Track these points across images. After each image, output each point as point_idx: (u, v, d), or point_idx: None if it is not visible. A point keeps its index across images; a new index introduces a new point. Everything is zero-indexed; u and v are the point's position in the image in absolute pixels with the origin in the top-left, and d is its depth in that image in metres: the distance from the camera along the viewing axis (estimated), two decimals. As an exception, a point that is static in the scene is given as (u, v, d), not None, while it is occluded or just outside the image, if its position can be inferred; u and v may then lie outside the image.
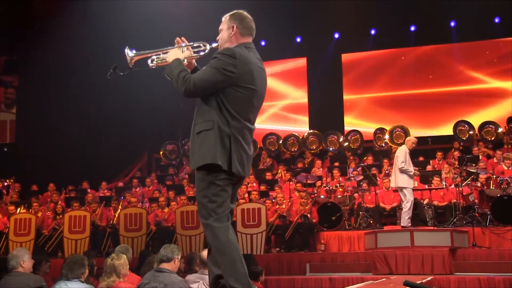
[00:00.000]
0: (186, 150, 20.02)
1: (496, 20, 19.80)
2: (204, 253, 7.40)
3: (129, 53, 4.59)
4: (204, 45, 4.61)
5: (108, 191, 17.82)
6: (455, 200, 13.77)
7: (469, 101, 20.14)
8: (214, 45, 4.61)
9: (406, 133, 17.78)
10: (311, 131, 19.63)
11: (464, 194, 13.67)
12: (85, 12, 19.68)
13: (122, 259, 6.59)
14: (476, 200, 13.73)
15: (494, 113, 19.27)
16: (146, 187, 17.82)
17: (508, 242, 12.50)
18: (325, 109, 20.81)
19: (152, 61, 4.62)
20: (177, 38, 4.64)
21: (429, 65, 20.77)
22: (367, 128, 19.77)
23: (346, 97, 21.44)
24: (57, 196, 16.90)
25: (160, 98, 19.42)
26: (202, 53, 4.58)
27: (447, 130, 18.78)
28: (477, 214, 13.25)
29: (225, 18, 4.54)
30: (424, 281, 9.83)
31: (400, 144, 15.50)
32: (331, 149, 19.15)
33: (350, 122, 20.87)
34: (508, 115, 18.01)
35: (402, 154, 12.73)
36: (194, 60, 4.62)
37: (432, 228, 12.85)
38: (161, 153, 20.34)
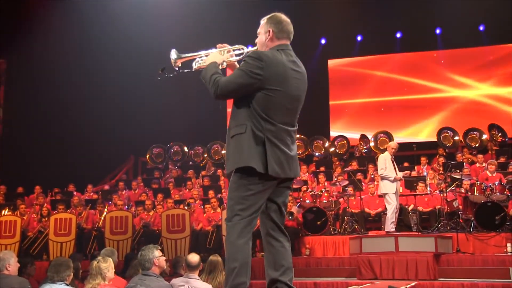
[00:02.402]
0: (171, 154, 20.02)
1: (481, 27, 19.98)
2: (190, 256, 7.37)
3: (173, 55, 4.66)
4: (242, 48, 4.66)
5: (94, 194, 17.74)
6: (439, 206, 13.80)
7: (454, 108, 20.29)
8: (252, 48, 4.63)
9: (390, 138, 17.81)
10: (297, 136, 19.59)
11: (448, 200, 13.73)
12: (74, 12, 19.77)
13: (108, 262, 6.56)
14: (460, 206, 13.76)
15: (477, 119, 19.41)
16: (132, 190, 17.76)
17: (492, 248, 12.56)
18: (311, 115, 20.81)
19: (196, 63, 4.67)
20: (219, 44, 4.68)
21: (414, 71, 20.89)
22: (353, 133, 19.79)
23: (332, 102, 21.50)
24: (43, 199, 16.79)
25: (147, 101, 19.46)
26: (241, 56, 4.60)
27: (432, 136, 18.85)
28: (461, 220, 13.30)
29: (263, 21, 4.54)
30: (408, 286, 9.87)
31: (384, 150, 15.59)
32: (316, 154, 19.16)
33: (336, 128, 20.92)
34: (490, 122, 18.16)
35: (381, 161, 12.91)
36: (236, 63, 4.64)
37: (416, 233, 12.86)
38: (147, 156, 20.26)
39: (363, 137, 18.86)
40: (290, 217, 13.96)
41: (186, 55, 4.70)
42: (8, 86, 21.77)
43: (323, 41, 21.74)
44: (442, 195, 13.65)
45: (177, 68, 4.70)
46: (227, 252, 4.29)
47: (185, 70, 4.71)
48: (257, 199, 4.25)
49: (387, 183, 12.71)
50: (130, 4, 19.50)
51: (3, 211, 15.57)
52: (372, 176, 15.88)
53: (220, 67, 4.51)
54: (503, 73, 19.88)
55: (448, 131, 18.12)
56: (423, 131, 20.26)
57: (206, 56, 4.62)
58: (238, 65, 4.58)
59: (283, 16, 4.53)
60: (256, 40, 4.60)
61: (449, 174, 14.46)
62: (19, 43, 19.93)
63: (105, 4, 19.34)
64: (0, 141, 21.35)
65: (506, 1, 18.04)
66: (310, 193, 15.20)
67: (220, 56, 4.57)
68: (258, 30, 4.58)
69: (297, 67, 4.45)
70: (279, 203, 4.40)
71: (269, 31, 4.47)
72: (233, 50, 4.67)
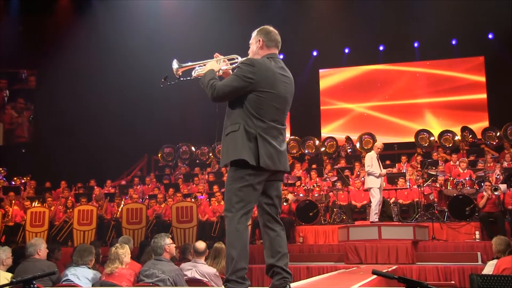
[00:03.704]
0: (180, 153, 20.04)
1: (453, 42, 20.05)
2: (197, 244, 7.40)
3: (175, 65, 4.70)
4: (237, 58, 4.67)
5: (112, 188, 17.76)
6: (417, 199, 13.83)
7: (431, 112, 20.34)
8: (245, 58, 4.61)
9: (374, 139, 17.82)
10: (292, 137, 19.62)
11: (425, 193, 13.75)
12: (95, 28, 20.00)
13: (125, 248, 6.58)
14: (436, 199, 13.83)
15: (451, 122, 19.51)
16: (146, 185, 17.77)
17: (463, 236, 12.67)
18: (304, 118, 20.84)
19: (195, 72, 4.70)
20: (216, 54, 4.70)
21: (395, 80, 20.95)
22: (341, 135, 19.78)
23: (323, 107, 21.54)
24: (67, 192, 16.88)
25: (160, 106, 19.50)
26: (235, 65, 4.61)
27: (410, 137, 18.87)
28: (436, 211, 13.38)
29: (254, 33, 4.58)
30: (390, 269, 9.88)
31: (369, 149, 15.64)
32: (306, 151, 19.10)
33: (326, 130, 20.98)
34: (462, 125, 18.27)
35: (368, 159, 12.86)
36: (230, 70, 4.66)
37: (397, 223, 12.90)
38: (159, 155, 20.29)
39: (348, 139, 18.87)
40: (285, 203, 14.02)
41: (186, 64, 4.73)
42: (37, 94, 21.90)
43: (314, 53, 21.79)
44: (419, 189, 13.70)
45: (178, 76, 4.72)
46: (227, 240, 4.27)
47: (186, 78, 4.73)
48: (252, 191, 4.24)
49: (373, 178, 12.68)
50: (144, 9, 19.85)
51: (34, 203, 15.64)
52: (358, 173, 15.89)
53: (217, 74, 4.54)
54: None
55: (425, 133, 18.13)
56: (404, 133, 20.27)
57: (204, 65, 4.65)
58: (232, 73, 4.60)
59: (271, 28, 4.59)
60: (249, 51, 4.62)
61: (426, 170, 14.53)
62: (48, 55, 20.09)
63: (120, 5, 19.61)
64: (31, 142, 21.62)
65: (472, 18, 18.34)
66: (304, 188, 15.21)
67: (216, 64, 4.60)
68: (250, 41, 4.62)
69: (285, 73, 4.46)
70: (273, 196, 4.39)
71: (259, 40, 4.51)
72: (228, 60, 4.69)
